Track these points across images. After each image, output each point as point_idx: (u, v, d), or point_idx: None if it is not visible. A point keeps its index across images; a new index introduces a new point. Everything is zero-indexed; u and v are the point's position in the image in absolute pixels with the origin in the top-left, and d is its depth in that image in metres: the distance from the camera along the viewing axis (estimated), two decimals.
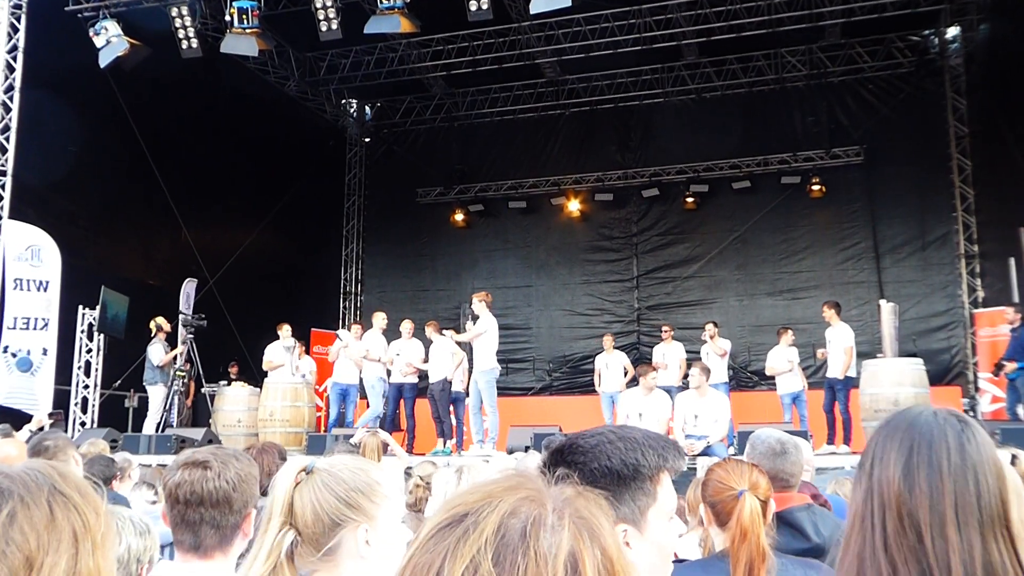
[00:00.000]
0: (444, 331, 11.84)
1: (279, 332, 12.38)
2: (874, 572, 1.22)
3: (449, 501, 0.81)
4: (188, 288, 13.87)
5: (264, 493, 3.45)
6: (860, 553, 1.25)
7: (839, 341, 11.18)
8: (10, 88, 12.10)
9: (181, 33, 12.80)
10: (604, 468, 1.43)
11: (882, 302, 11.66)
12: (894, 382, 9.84)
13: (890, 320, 10.92)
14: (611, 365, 12.87)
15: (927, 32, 15.69)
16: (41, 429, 8.52)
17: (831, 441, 11.06)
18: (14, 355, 11.78)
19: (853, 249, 15.75)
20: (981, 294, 15.00)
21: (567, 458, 1.44)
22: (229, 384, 12.83)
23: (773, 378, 12.28)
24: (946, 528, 1.19)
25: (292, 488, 1.58)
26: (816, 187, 15.70)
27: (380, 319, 12.44)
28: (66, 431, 11.15)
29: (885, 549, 1.22)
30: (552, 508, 0.78)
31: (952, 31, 15.61)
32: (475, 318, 11.10)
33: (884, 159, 15.45)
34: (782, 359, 11.96)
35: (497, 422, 10.91)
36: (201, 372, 12.33)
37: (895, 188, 15.48)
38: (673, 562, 2.57)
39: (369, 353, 11.88)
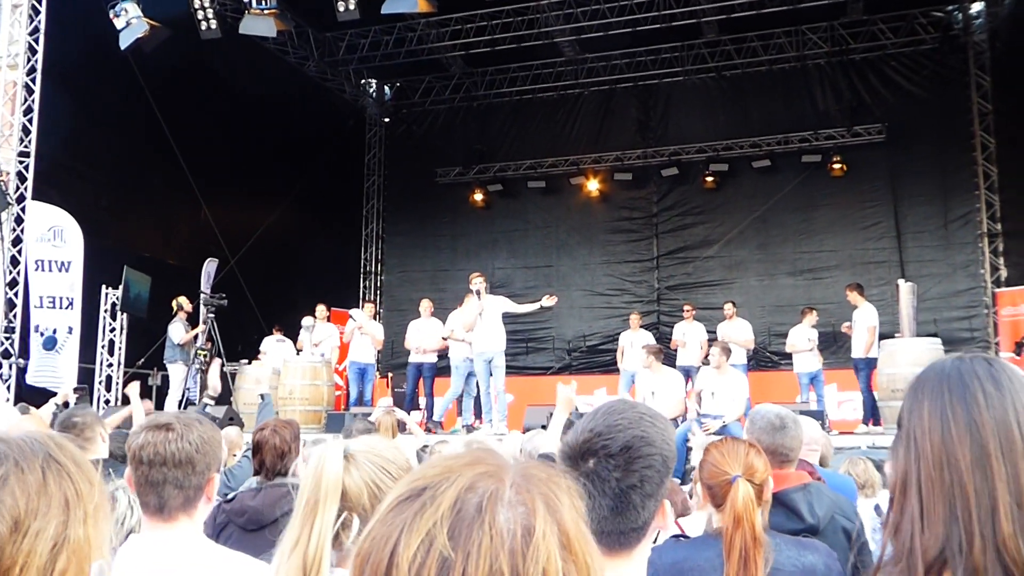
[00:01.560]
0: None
1: (315, 313, 12.63)
2: (908, 524, 1.20)
3: (410, 475, 0.82)
4: (209, 268, 13.99)
5: (278, 473, 3.52)
6: (901, 510, 1.22)
7: (863, 320, 11.15)
8: (32, 70, 12.21)
9: (200, 15, 12.86)
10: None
11: (900, 281, 11.57)
12: (912, 362, 9.78)
13: (908, 300, 10.84)
14: (635, 344, 12.86)
15: (951, 8, 15.44)
16: (67, 405, 8.65)
17: (867, 421, 11.02)
18: (41, 334, 11.97)
19: (874, 228, 15.61)
20: (1004, 273, 14.83)
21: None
22: (249, 363, 12.95)
23: (792, 357, 12.27)
24: (989, 460, 1.16)
25: (342, 471, 1.54)
26: (837, 166, 15.55)
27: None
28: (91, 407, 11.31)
29: (919, 499, 1.19)
30: (511, 483, 0.78)
31: (976, 6, 15.37)
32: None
33: (906, 137, 15.25)
34: (803, 338, 11.94)
35: (487, 401, 10.86)
36: (222, 351, 12.46)
37: (917, 166, 15.30)
38: (673, 537, 2.61)
39: (454, 333, 11.52)
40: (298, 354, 12.44)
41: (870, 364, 10.87)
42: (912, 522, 1.19)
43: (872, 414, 10.84)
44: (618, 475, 1.51)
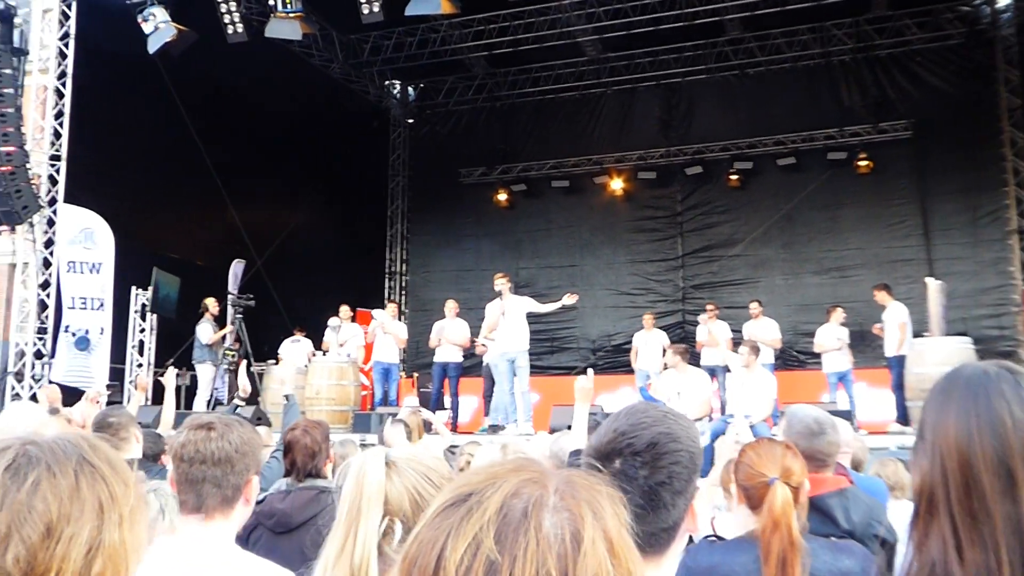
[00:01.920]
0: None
1: (339, 314, 12.69)
2: (938, 544, 1.17)
3: (455, 482, 0.84)
4: (236, 269, 14.13)
5: (309, 474, 3.54)
6: (926, 526, 1.20)
7: (893, 318, 11.07)
8: (63, 75, 12.39)
9: (227, 18, 12.97)
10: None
11: (929, 280, 11.47)
12: (941, 361, 9.69)
13: (937, 298, 10.75)
14: (650, 343, 12.86)
15: (978, 2, 15.26)
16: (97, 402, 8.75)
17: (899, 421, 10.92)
18: (73, 334, 12.13)
19: (901, 226, 15.47)
20: None
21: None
22: (277, 362, 13.05)
23: (820, 357, 12.18)
24: (1017, 488, 1.12)
25: (384, 479, 1.54)
26: (863, 163, 15.42)
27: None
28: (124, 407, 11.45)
29: (951, 519, 1.16)
30: (555, 490, 0.80)
31: (1004, 0, 15.19)
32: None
33: (933, 133, 15.10)
34: (831, 337, 11.84)
35: (510, 401, 10.85)
36: (250, 351, 12.57)
37: (944, 163, 15.14)
38: (705, 538, 2.61)
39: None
40: (324, 354, 12.52)
41: (901, 362, 10.77)
42: (945, 549, 1.17)
43: (903, 414, 10.75)
44: (645, 472, 1.49)
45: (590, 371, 4.34)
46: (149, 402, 12.29)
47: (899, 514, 3.89)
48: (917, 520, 1.23)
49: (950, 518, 1.17)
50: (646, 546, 1.46)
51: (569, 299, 10.76)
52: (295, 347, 13.27)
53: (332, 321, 12.53)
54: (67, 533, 0.97)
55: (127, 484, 1.05)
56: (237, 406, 10.30)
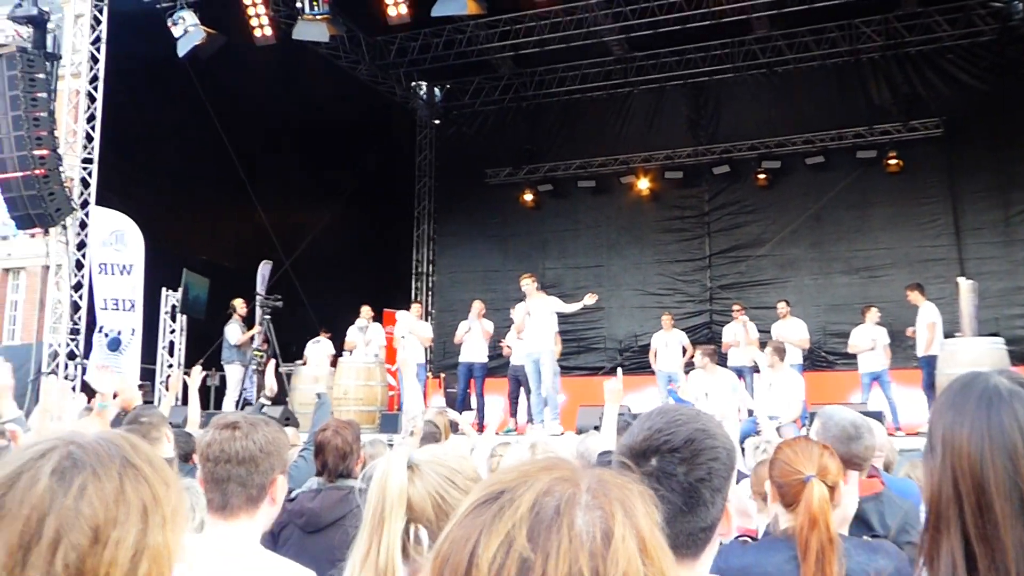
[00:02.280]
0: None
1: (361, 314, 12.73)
2: (948, 563, 1.16)
3: (486, 480, 0.85)
4: (264, 270, 14.20)
5: (340, 474, 3.56)
6: (936, 542, 1.18)
7: (923, 319, 10.97)
8: (95, 78, 12.55)
9: (255, 21, 13.08)
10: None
11: (961, 280, 11.33)
12: (972, 362, 9.55)
13: (969, 298, 10.61)
14: (669, 344, 12.80)
15: None
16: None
17: None
18: (106, 335, 12.29)
19: (932, 225, 15.29)
20: None
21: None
22: (304, 364, 13.13)
23: (851, 357, 12.06)
24: None
25: (407, 482, 1.53)
26: (893, 161, 15.28)
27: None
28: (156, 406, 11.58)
29: (963, 540, 1.15)
30: (586, 487, 0.80)
31: None
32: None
33: (965, 131, 14.91)
34: (865, 337, 11.70)
35: (538, 402, 10.80)
36: (278, 352, 12.65)
37: (976, 161, 14.95)
38: (736, 539, 2.59)
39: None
40: (349, 354, 12.56)
41: (931, 362, 10.66)
42: (955, 570, 1.15)
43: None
44: (684, 469, 1.46)
45: (619, 372, 4.32)
46: (179, 402, 12.44)
47: None
48: (928, 533, 1.22)
49: (962, 539, 1.15)
50: (683, 547, 1.44)
51: (590, 299, 10.72)
52: (316, 347, 13.35)
53: (359, 321, 12.58)
54: (114, 537, 0.97)
55: (168, 484, 1.05)
56: (263, 405, 10.36)
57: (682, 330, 13.73)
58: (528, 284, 10.74)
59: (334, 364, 12.43)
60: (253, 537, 2.19)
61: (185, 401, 9.58)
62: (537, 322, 10.69)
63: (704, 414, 1.57)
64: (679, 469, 1.46)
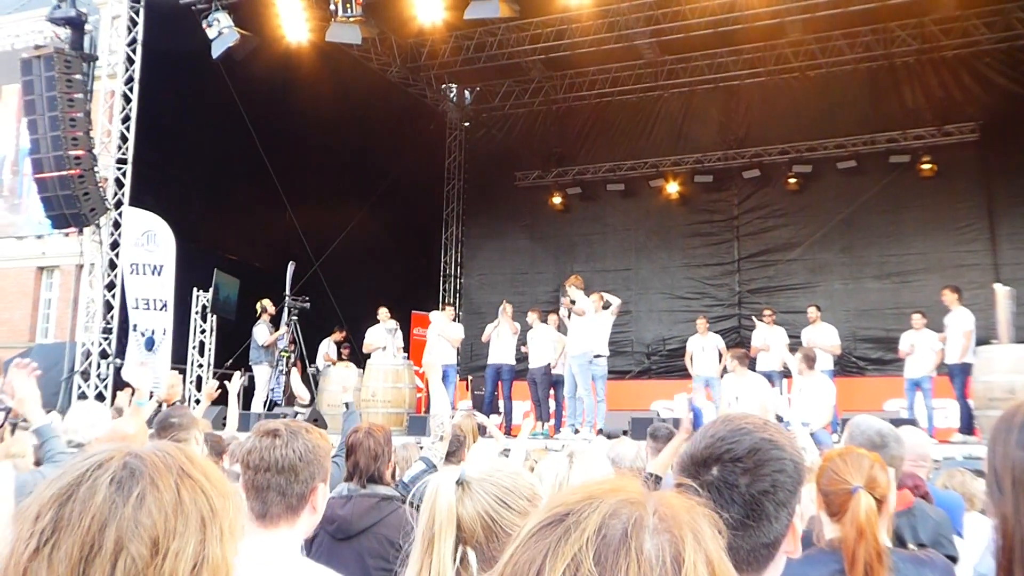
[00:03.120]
0: (547, 318, 11.89)
1: (378, 315, 12.67)
2: None
3: (550, 502, 0.83)
4: (289, 270, 14.29)
5: (371, 478, 3.55)
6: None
7: (958, 325, 10.81)
8: (130, 80, 12.68)
9: (288, 23, 13.15)
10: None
11: (997, 286, 11.15)
12: (1010, 369, 9.41)
13: (1006, 304, 10.44)
14: (706, 348, 12.70)
15: None
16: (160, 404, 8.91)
17: (964, 430, 10.65)
18: (143, 334, 12.40)
19: (967, 230, 15.09)
20: None
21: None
22: (334, 364, 13.20)
23: (883, 363, 11.92)
24: None
25: (456, 501, 1.47)
26: (927, 166, 15.10)
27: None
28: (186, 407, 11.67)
29: None
30: (653, 510, 0.78)
31: None
32: (571, 302, 11.02)
33: (1001, 136, 14.68)
34: (906, 342, 11.54)
35: (595, 406, 10.82)
36: (305, 353, 12.71)
37: (1013, 166, 14.71)
38: None
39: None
40: (382, 351, 12.55)
41: (965, 370, 10.51)
42: None
43: (968, 423, 10.48)
44: (747, 480, 1.38)
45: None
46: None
47: (974, 527, 3.78)
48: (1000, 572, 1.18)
49: None
50: (744, 563, 1.37)
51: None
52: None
53: (387, 323, 12.59)
54: (173, 548, 0.95)
55: (225, 496, 1.03)
56: (297, 413, 10.42)
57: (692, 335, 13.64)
58: (570, 287, 10.94)
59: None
60: (294, 546, 2.18)
61: (217, 401, 9.66)
62: (572, 328, 10.81)
63: (772, 424, 1.50)
64: (741, 480, 1.38)
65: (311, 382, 12.95)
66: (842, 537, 2.15)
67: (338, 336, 13.90)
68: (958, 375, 10.70)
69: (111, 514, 0.94)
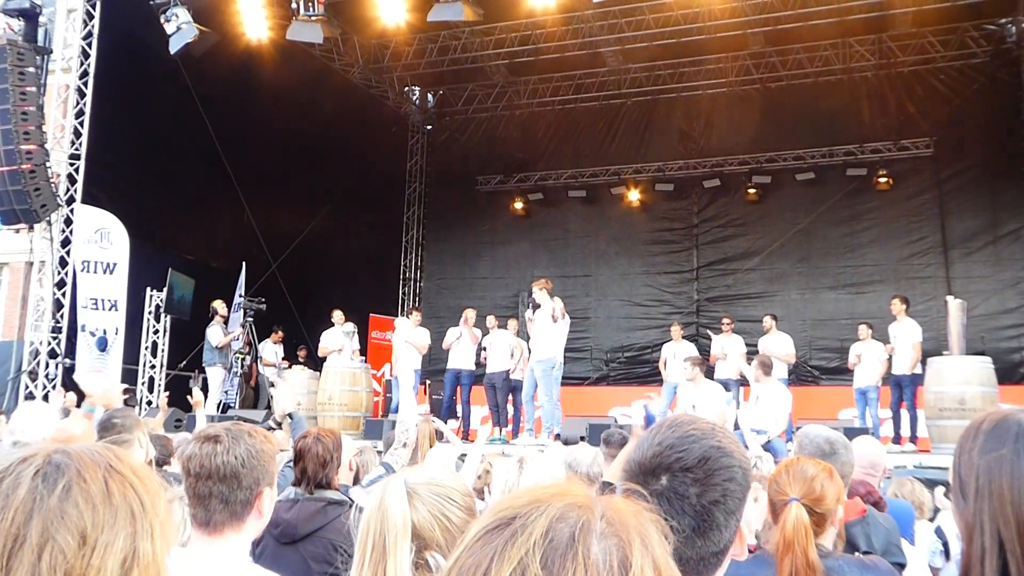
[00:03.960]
0: (505, 324, 11.86)
1: (332, 318, 12.54)
2: None
3: (496, 505, 0.81)
4: (242, 272, 14.13)
5: (319, 484, 3.48)
6: None
7: (906, 336, 10.97)
8: (85, 74, 12.45)
9: (249, 20, 13.01)
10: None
11: (949, 298, 11.35)
12: (960, 380, 9.60)
13: (957, 317, 10.64)
14: (679, 355, 12.73)
15: (1003, 21, 15.17)
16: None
17: (896, 440, 10.85)
18: (92, 334, 12.16)
19: (920, 243, 15.37)
20: None
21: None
22: (290, 367, 13.06)
23: (837, 372, 12.08)
24: None
25: (408, 508, 1.45)
26: (883, 179, 15.37)
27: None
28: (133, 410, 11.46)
29: None
30: (600, 515, 0.77)
31: None
32: (535, 307, 10.91)
33: (955, 151, 15.02)
34: (853, 353, 11.71)
35: (554, 412, 10.76)
36: (259, 355, 12.56)
37: (966, 181, 15.06)
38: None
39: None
40: (338, 354, 12.44)
41: (915, 380, 10.69)
42: None
43: (913, 432, 10.68)
44: (697, 491, 1.34)
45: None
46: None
47: (924, 535, 3.81)
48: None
49: None
50: (693, 572, 1.33)
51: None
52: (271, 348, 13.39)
53: (347, 326, 12.47)
54: (102, 540, 0.92)
55: (156, 494, 1.00)
56: (271, 428, 10.25)
57: (667, 342, 13.69)
58: (536, 290, 10.85)
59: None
60: (240, 552, 2.11)
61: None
62: (534, 332, 10.74)
63: (720, 428, 1.46)
64: (692, 490, 1.34)
65: (265, 385, 12.77)
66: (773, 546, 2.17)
67: (276, 337, 13.72)
68: (907, 386, 10.88)
69: (36, 506, 0.91)
